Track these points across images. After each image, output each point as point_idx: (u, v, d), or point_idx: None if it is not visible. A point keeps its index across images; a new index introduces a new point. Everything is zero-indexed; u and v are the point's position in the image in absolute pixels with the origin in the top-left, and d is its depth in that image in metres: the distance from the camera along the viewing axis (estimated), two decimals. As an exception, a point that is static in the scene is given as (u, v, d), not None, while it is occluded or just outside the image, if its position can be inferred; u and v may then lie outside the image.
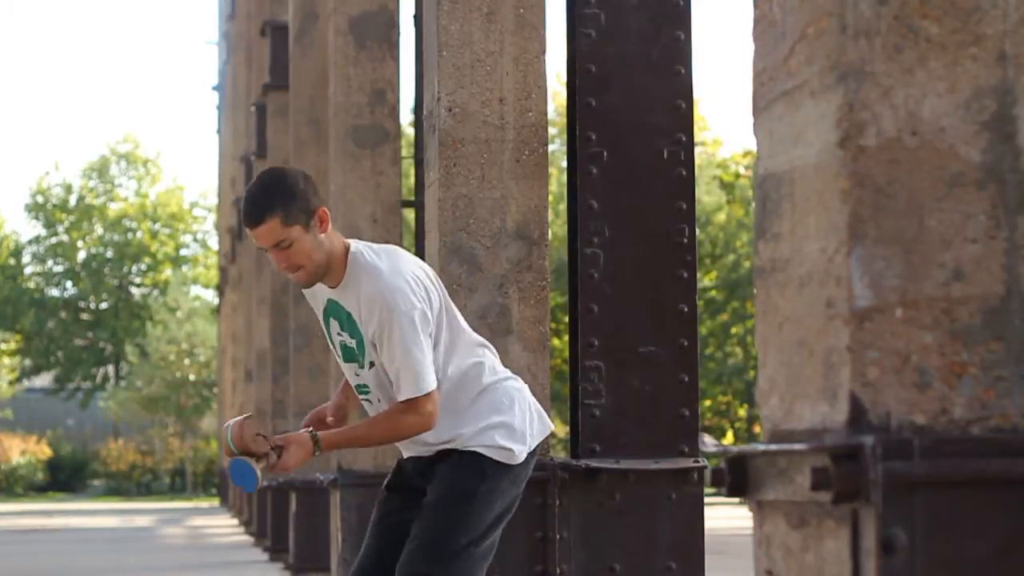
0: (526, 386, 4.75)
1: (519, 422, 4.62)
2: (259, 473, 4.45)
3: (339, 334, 4.60)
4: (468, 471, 4.55)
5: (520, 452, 4.59)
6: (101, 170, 58.38)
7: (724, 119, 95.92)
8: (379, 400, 4.61)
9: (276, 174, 4.52)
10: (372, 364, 4.54)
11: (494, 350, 4.75)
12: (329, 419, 4.79)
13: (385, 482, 4.81)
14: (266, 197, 4.41)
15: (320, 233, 4.44)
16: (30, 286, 57.19)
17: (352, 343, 4.57)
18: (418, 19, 9.76)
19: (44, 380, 58.80)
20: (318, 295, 4.63)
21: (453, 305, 4.65)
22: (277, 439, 4.52)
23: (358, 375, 4.62)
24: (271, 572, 14.58)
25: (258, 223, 4.39)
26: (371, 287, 4.44)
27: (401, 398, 4.47)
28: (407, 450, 4.71)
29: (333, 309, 4.58)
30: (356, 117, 10.44)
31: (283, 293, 15.44)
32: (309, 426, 4.72)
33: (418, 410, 4.46)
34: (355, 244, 4.54)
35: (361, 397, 4.68)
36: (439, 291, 4.57)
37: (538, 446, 4.71)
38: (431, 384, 4.44)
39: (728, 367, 39.88)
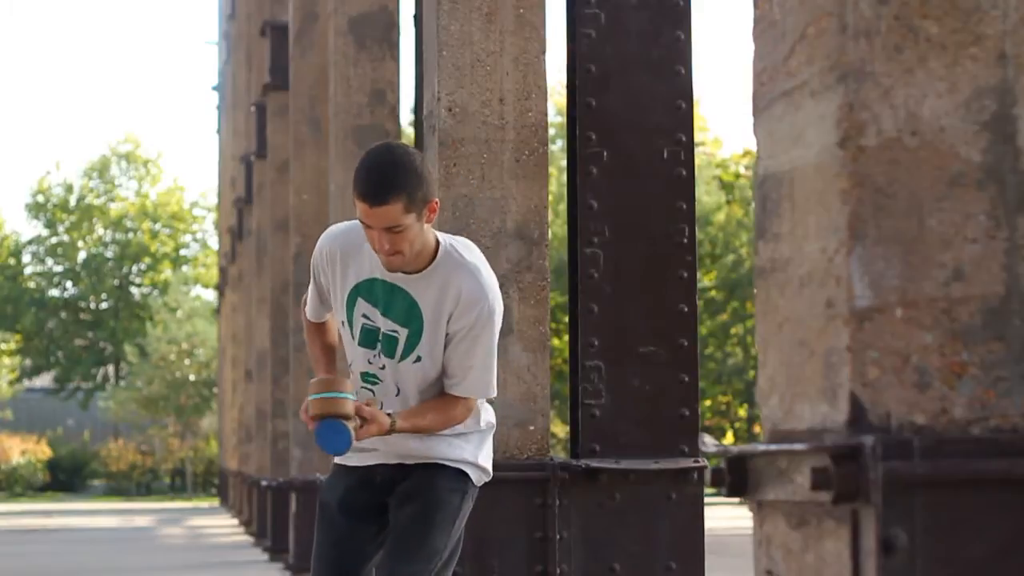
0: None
1: (492, 447, 4.65)
2: (354, 433, 4.28)
3: (366, 317, 4.41)
4: (454, 485, 4.50)
5: (489, 475, 4.61)
6: (102, 170, 58.38)
7: (724, 119, 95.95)
8: (395, 393, 4.46)
9: (401, 152, 4.22)
10: (419, 359, 4.41)
11: None
12: None
13: (338, 500, 4.59)
14: (396, 177, 4.14)
15: (429, 223, 4.27)
16: (30, 286, 57.19)
17: (394, 330, 4.40)
18: (418, 19, 9.76)
19: (44, 380, 58.78)
20: (353, 271, 4.42)
21: None
22: (365, 410, 4.34)
23: (372, 363, 4.46)
24: (271, 572, 14.58)
25: (381, 202, 4.13)
26: (474, 286, 4.34)
27: (462, 393, 4.42)
28: (381, 457, 4.54)
29: (374, 290, 4.40)
30: (356, 117, 10.44)
31: (283, 293, 15.44)
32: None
33: (469, 408, 4.46)
34: (442, 236, 4.41)
35: (363, 384, 4.50)
36: None
37: None
38: (494, 392, 4.49)
39: (728, 367, 39.88)
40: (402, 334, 4.40)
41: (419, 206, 4.18)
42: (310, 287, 4.60)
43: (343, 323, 4.50)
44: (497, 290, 4.40)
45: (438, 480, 4.50)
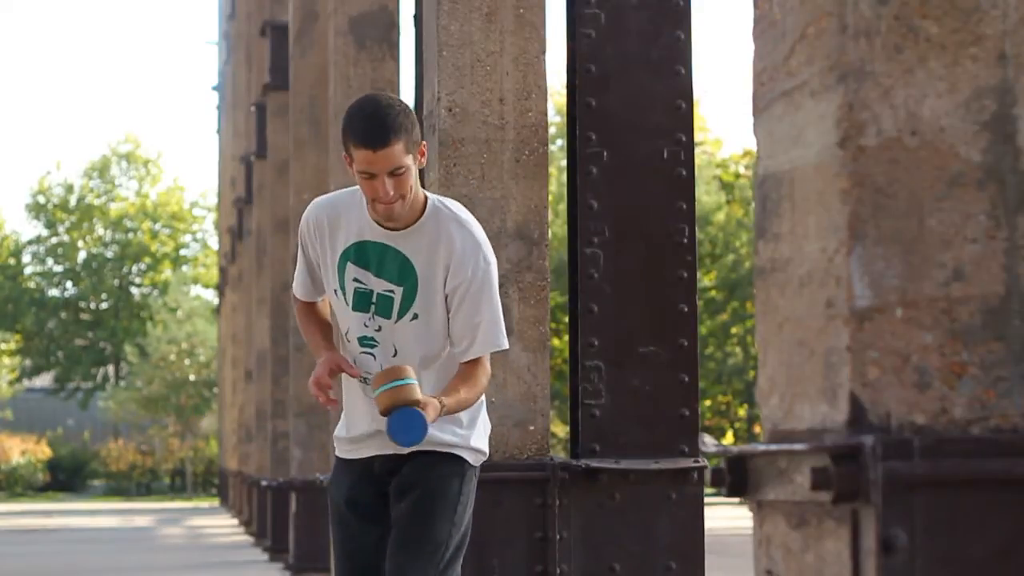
0: None
1: (487, 423, 4.60)
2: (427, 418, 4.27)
3: (358, 281, 4.42)
4: (449, 471, 4.47)
5: (486, 454, 4.58)
6: (102, 170, 58.38)
7: (724, 119, 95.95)
8: (393, 354, 4.43)
9: (395, 98, 4.38)
10: (416, 316, 4.40)
11: None
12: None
13: (345, 499, 4.60)
14: (395, 118, 4.26)
15: (421, 164, 4.36)
16: (30, 286, 57.18)
17: (389, 290, 4.40)
18: (418, 19, 9.75)
19: (44, 380, 58.78)
20: (342, 237, 4.44)
21: None
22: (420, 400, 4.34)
23: (368, 326, 4.44)
24: (271, 572, 14.58)
25: (384, 144, 4.22)
26: (467, 238, 4.37)
27: (476, 354, 4.38)
28: (377, 448, 4.52)
29: (364, 252, 4.41)
30: (356, 117, 10.42)
31: (283, 293, 15.44)
32: (333, 375, 4.48)
33: (487, 371, 4.44)
34: (429, 193, 4.47)
35: (362, 350, 4.47)
36: None
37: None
38: (505, 340, 4.45)
39: (728, 367, 39.87)
40: (398, 292, 4.41)
41: (415, 147, 4.31)
42: (298, 267, 4.59)
43: (336, 292, 4.49)
44: (489, 244, 4.42)
45: (433, 469, 4.47)
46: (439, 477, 4.46)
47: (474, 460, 4.53)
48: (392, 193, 4.26)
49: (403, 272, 4.40)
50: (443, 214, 4.40)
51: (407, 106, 4.35)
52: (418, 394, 4.26)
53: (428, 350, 4.44)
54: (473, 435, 4.52)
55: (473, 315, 4.38)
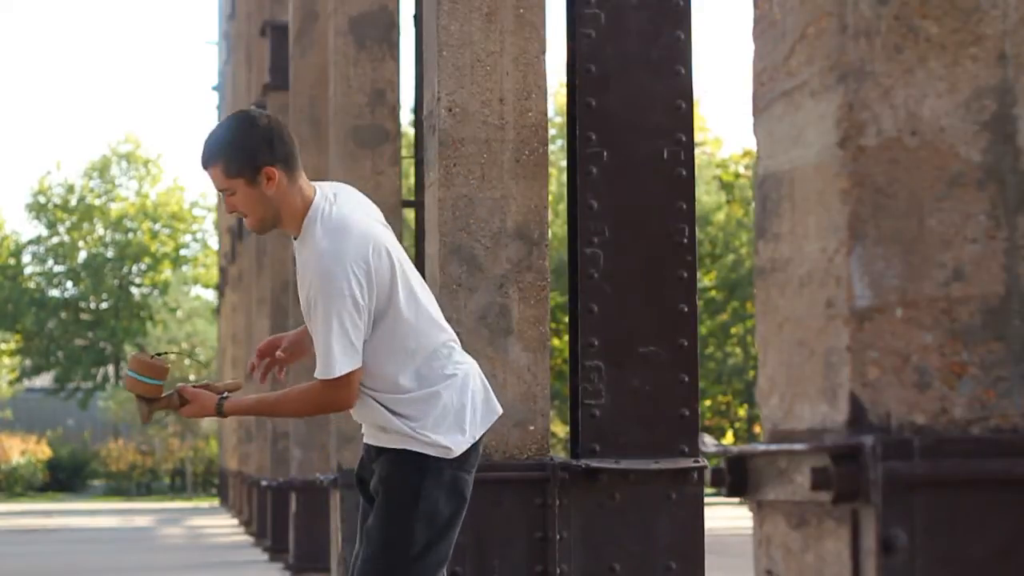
0: (477, 370, 4.61)
1: (460, 415, 4.51)
2: (144, 413, 4.66)
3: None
4: (410, 468, 4.47)
5: (459, 444, 4.49)
6: (102, 170, 58.38)
7: (724, 119, 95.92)
8: None
9: (235, 121, 4.51)
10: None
11: (451, 333, 4.60)
12: (279, 353, 4.70)
13: (356, 474, 4.75)
14: (214, 144, 4.45)
15: (267, 190, 4.42)
16: (30, 286, 57.18)
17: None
18: (418, 19, 9.75)
19: (44, 380, 58.77)
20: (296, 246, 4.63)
21: (417, 282, 4.52)
22: (186, 391, 4.58)
23: None
24: (271, 572, 14.58)
25: (204, 166, 4.47)
26: (309, 256, 4.41)
27: (316, 375, 4.43)
28: (365, 434, 4.64)
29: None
30: (356, 117, 10.44)
31: (283, 293, 15.44)
32: (263, 352, 4.73)
33: (330, 389, 4.42)
34: (317, 200, 4.45)
35: None
36: (389, 267, 4.42)
37: (483, 435, 4.58)
38: (339, 370, 4.36)
39: (728, 367, 39.87)
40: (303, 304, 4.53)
41: (245, 171, 4.41)
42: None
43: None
44: (335, 270, 4.33)
45: (388, 470, 4.51)
46: (391, 479, 4.50)
47: (436, 453, 4.48)
48: (229, 209, 4.50)
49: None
50: (308, 231, 4.44)
51: (244, 129, 4.45)
52: (154, 394, 4.60)
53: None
54: (427, 424, 4.47)
55: (314, 334, 4.43)
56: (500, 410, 4.64)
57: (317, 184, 4.55)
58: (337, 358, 4.36)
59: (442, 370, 4.52)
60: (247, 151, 4.42)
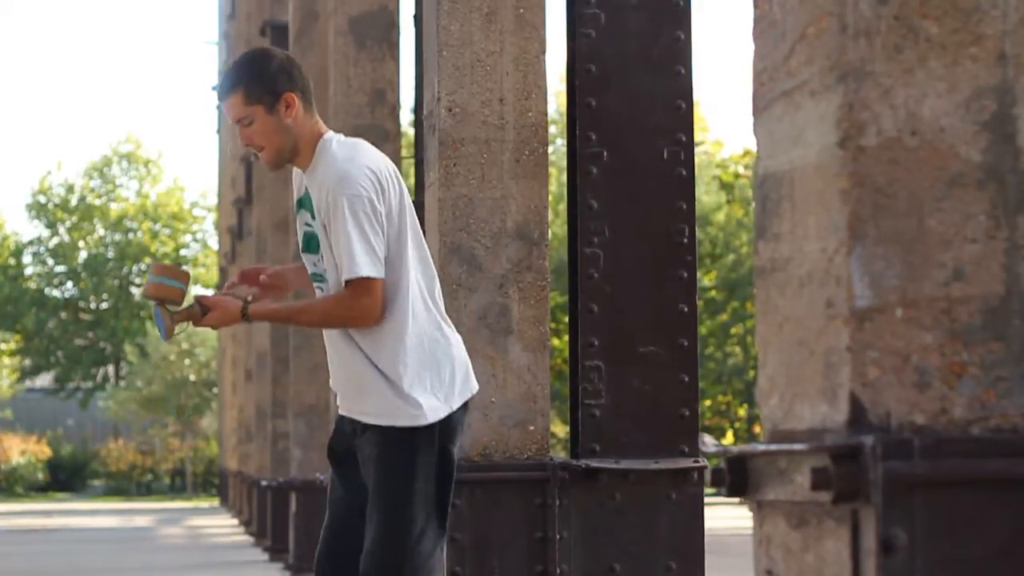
0: (458, 338, 4.61)
1: (439, 381, 4.49)
2: (168, 323, 4.54)
3: (306, 224, 4.59)
4: (398, 447, 4.47)
5: (435, 411, 4.46)
6: (103, 170, 58.39)
7: (724, 119, 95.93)
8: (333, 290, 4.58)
9: (253, 53, 4.63)
10: (322, 256, 4.55)
11: (438, 288, 4.61)
12: (263, 277, 4.71)
13: (328, 442, 4.73)
14: (235, 72, 4.52)
15: (286, 118, 4.49)
16: (31, 286, 57.17)
17: (315, 230, 4.55)
18: (418, 19, 9.75)
19: (44, 380, 58.76)
20: (299, 184, 4.66)
21: (413, 223, 4.54)
22: (207, 299, 4.54)
23: (316, 265, 4.60)
24: (271, 572, 14.58)
25: (222, 96, 4.52)
26: (325, 171, 4.46)
27: (344, 276, 4.42)
28: (341, 405, 4.64)
29: (306, 196, 4.59)
30: (356, 117, 10.44)
31: (283, 293, 15.43)
32: (244, 276, 4.72)
33: (354, 296, 4.40)
34: (330, 134, 4.56)
35: (316, 285, 4.64)
36: (399, 194, 4.49)
37: (463, 405, 4.55)
38: (365, 270, 4.36)
39: (728, 367, 39.87)
40: (318, 228, 4.54)
41: (265, 98, 4.49)
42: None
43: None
44: (351, 171, 4.41)
45: (377, 450, 4.50)
46: (381, 459, 4.49)
47: (411, 421, 4.46)
48: (242, 140, 4.53)
49: (313, 211, 4.54)
50: (320, 152, 4.52)
51: (263, 59, 4.54)
52: (175, 295, 4.56)
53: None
54: (413, 383, 4.46)
55: (336, 245, 4.44)
56: (476, 387, 4.63)
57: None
58: (360, 260, 4.37)
59: (436, 327, 4.53)
60: (267, 77, 4.50)
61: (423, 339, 4.51)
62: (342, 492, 4.68)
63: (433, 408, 4.48)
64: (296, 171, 4.64)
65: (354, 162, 4.43)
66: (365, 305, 4.41)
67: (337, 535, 4.67)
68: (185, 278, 4.59)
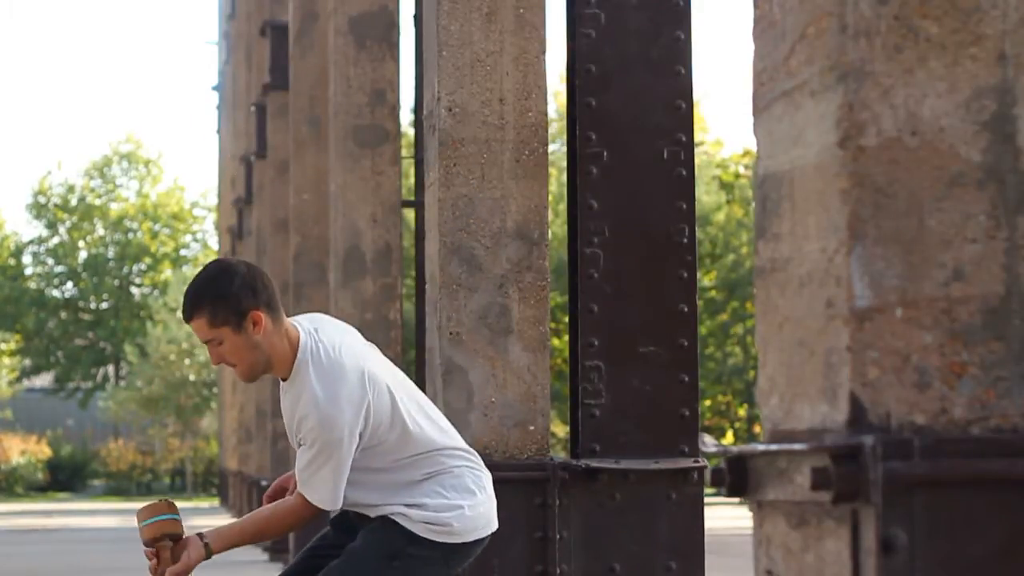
0: (487, 475, 4.62)
1: (458, 509, 4.51)
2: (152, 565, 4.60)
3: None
4: (398, 531, 4.47)
5: (458, 532, 4.49)
6: (103, 170, 58.39)
7: (724, 119, 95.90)
8: None
9: (213, 271, 4.46)
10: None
11: (461, 440, 4.60)
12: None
13: (334, 516, 4.75)
14: (196, 295, 4.39)
15: (255, 335, 4.38)
16: (31, 286, 57.17)
17: (288, 431, 4.59)
18: (418, 19, 9.76)
19: (44, 380, 58.75)
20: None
21: (411, 399, 4.52)
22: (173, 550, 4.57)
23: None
24: (271, 572, 14.57)
25: (188, 319, 4.41)
26: (305, 404, 4.39)
27: (299, 490, 4.48)
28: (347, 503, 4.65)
29: (283, 399, 4.60)
30: (356, 117, 10.44)
31: (283, 293, 15.44)
32: (273, 497, 4.75)
33: (305, 507, 4.47)
34: (304, 340, 4.44)
35: None
36: (391, 397, 4.44)
37: (479, 540, 4.57)
38: (324, 504, 4.44)
39: (728, 367, 39.86)
40: (291, 437, 4.59)
41: (230, 320, 4.36)
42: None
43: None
44: (333, 414, 4.36)
45: (375, 524, 4.52)
46: (364, 539, 4.51)
47: (421, 529, 4.47)
48: (216, 360, 4.45)
49: (287, 418, 4.55)
50: (300, 375, 4.43)
51: (224, 277, 4.40)
52: (179, 529, 4.63)
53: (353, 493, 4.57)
54: (414, 500, 4.49)
55: (302, 458, 4.44)
56: (496, 526, 4.63)
57: (294, 320, 4.53)
58: (322, 492, 4.42)
59: (462, 472, 4.54)
60: (231, 298, 4.36)
61: (445, 482, 4.53)
62: (332, 538, 4.71)
63: (459, 531, 4.51)
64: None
65: (336, 404, 4.35)
66: (306, 518, 4.54)
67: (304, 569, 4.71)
68: (174, 508, 4.67)
